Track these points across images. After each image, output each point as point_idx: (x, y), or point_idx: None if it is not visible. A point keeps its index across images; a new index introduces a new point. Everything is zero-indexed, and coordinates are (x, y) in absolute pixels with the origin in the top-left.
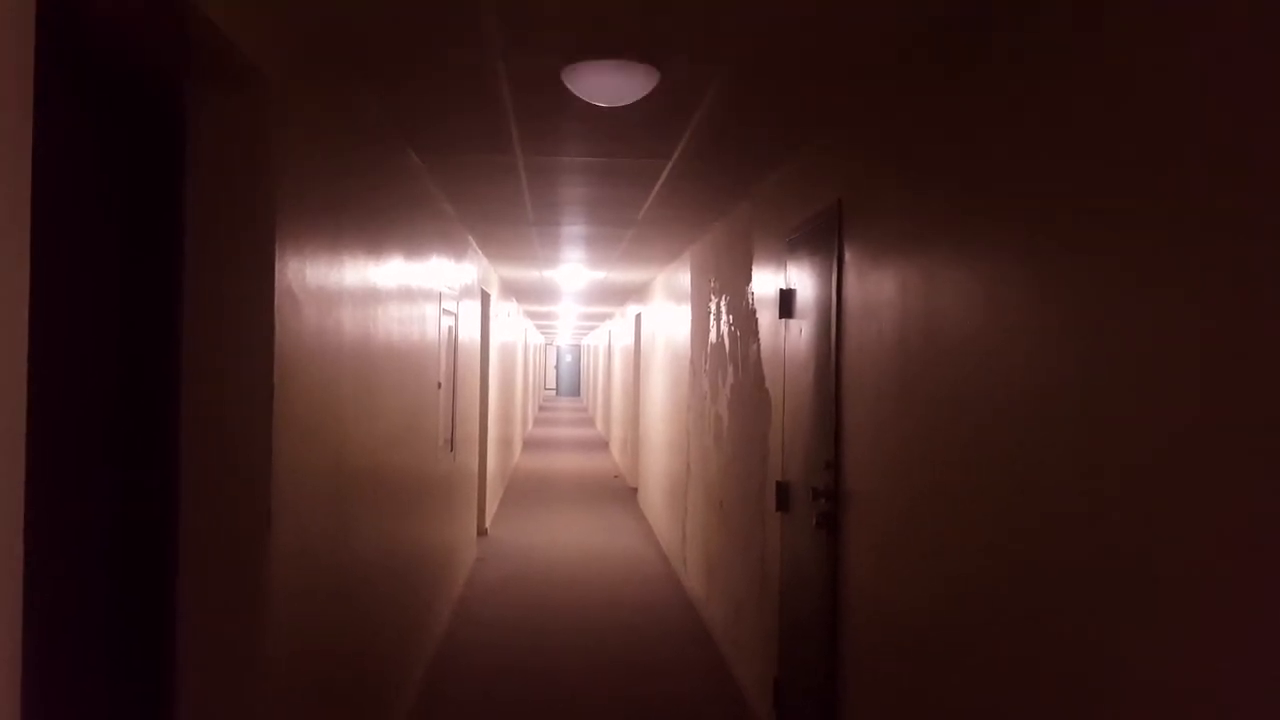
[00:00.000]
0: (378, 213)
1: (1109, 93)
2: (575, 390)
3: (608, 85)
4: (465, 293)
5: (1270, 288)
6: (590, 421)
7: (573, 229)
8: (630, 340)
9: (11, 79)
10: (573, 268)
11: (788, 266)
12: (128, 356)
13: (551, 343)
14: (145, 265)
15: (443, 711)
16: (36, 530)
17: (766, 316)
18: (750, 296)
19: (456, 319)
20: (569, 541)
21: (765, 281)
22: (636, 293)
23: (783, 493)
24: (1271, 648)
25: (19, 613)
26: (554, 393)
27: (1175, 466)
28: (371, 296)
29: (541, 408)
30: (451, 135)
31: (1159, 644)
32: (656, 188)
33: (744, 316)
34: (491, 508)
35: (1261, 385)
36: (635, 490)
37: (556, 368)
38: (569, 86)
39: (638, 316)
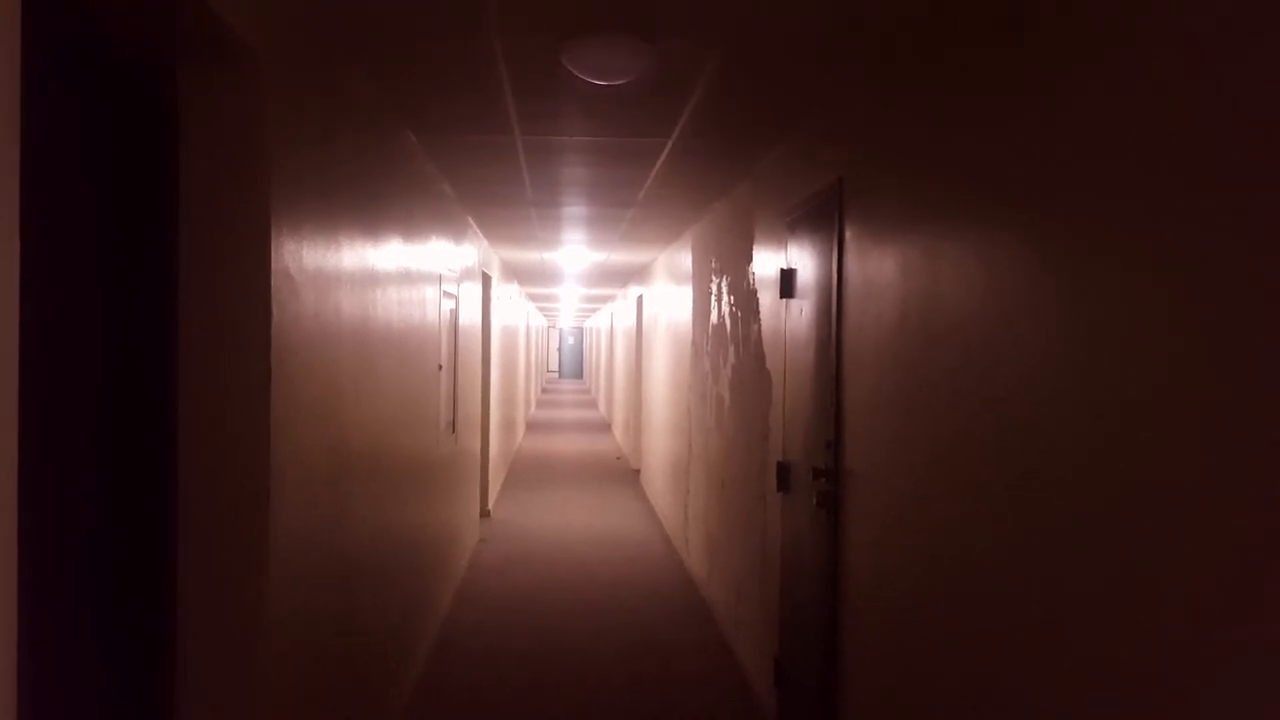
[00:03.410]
0: (375, 194)
1: (1111, 73)
2: (578, 372)
3: (605, 63)
4: (466, 275)
5: (1272, 270)
6: (593, 403)
7: (573, 210)
8: (632, 322)
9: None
10: (573, 249)
11: (788, 246)
12: (124, 339)
13: (554, 325)
14: (140, 247)
15: (446, 692)
16: (33, 510)
17: (767, 297)
18: (751, 277)
19: (457, 301)
20: (572, 523)
21: (766, 261)
22: (638, 274)
23: (783, 473)
24: (1267, 632)
25: (14, 591)
26: (557, 375)
27: (1177, 446)
28: (370, 278)
29: (544, 390)
30: (449, 115)
31: (1157, 625)
32: (656, 167)
33: (745, 297)
34: (494, 489)
35: (1263, 367)
36: (638, 471)
37: (559, 350)
38: (566, 65)
39: (639, 298)
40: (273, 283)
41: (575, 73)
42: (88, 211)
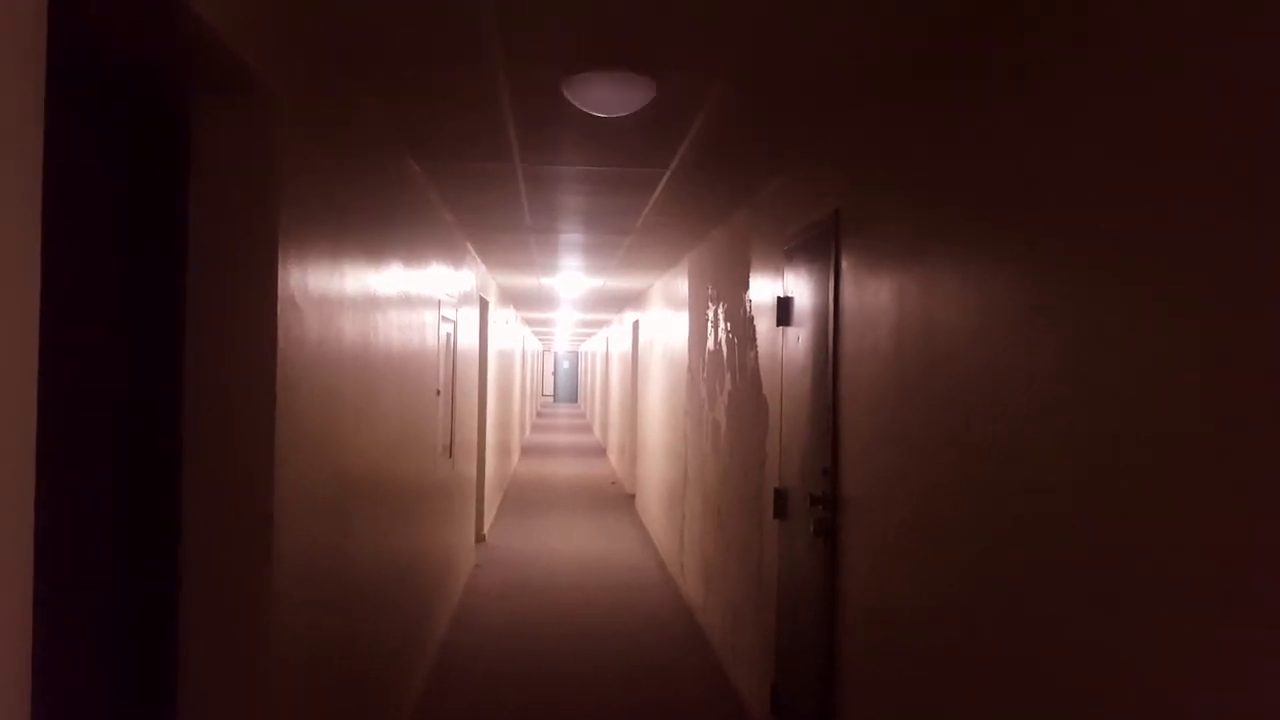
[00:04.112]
0: (378, 220)
1: (1104, 106)
2: (573, 397)
3: (607, 97)
4: (464, 300)
5: (1265, 301)
6: (588, 428)
7: (571, 237)
8: (628, 347)
9: (24, 81)
10: (570, 275)
11: (785, 274)
12: (131, 366)
13: (549, 349)
14: (148, 274)
15: (443, 717)
16: (40, 536)
17: (764, 324)
18: (748, 304)
19: (455, 326)
20: (567, 548)
21: (763, 289)
22: (634, 300)
23: (780, 499)
24: (1266, 655)
25: (28, 618)
26: (552, 399)
27: (1168, 474)
28: (372, 304)
29: (539, 414)
30: (451, 144)
31: (1155, 649)
32: (654, 196)
33: (742, 324)
34: (490, 514)
35: (1256, 397)
36: (633, 497)
37: (554, 374)
38: (568, 98)
39: (635, 323)
40: (279, 309)
41: (578, 106)
42: (102, 241)
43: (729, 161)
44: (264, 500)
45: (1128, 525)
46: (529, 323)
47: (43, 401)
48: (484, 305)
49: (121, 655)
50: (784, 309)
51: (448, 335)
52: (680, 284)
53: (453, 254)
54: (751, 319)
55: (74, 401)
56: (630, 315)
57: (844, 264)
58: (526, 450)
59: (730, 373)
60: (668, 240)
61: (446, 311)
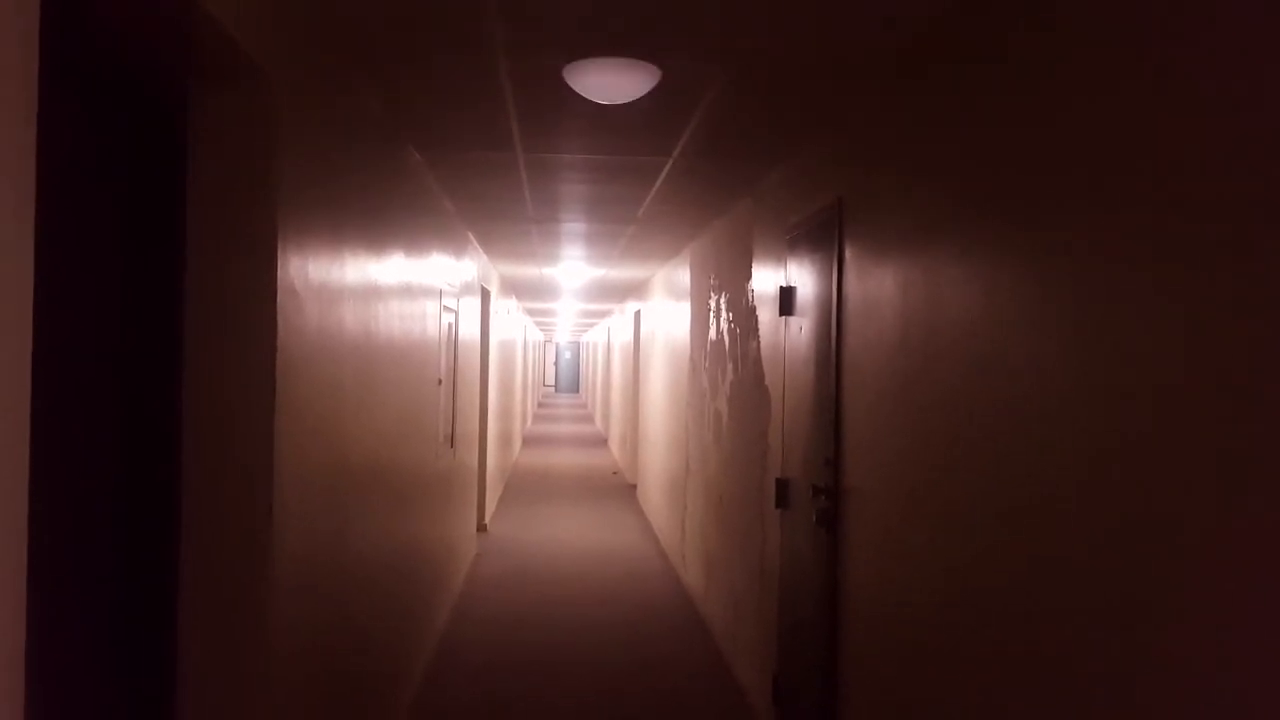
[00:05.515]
0: (378, 209)
1: (1112, 92)
2: (574, 387)
3: (609, 83)
4: (465, 290)
5: (1271, 290)
6: (589, 418)
7: (573, 226)
8: (629, 337)
9: (16, 80)
10: (572, 265)
11: (788, 264)
12: (130, 354)
13: (551, 339)
14: (147, 263)
15: (443, 707)
16: (39, 528)
17: (766, 314)
18: (750, 294)
19: (456, 316)
20: (568, 538)
21: (765, 279)
22: (636, 290)
23: (782, 490)
24: (1270, 655)
25: (23, 608)
26: (553, 389)
27: (1173, 470)
28: (372, 293)
29: (541, 404)
30: (452, 132)
31: (1157, 642)
32: (657, 185)
33: (744, 314)
34: (491, 504)
35: (1262, 395)
36: (634, 487)
37: (555, 364)
38: (570, 84)
39: (637, 313)
40: (279, 297)
41: (579, 93)
42: (102, 239)
43: (731, 149)
44: (263, 491)
45: (1132, 521)
46: (531, 313)
47: (42, 395)
48: (485, 295)
49: (120, 647)
50: (786, 299)
51: (449, 325)
52: (682, 274)
53: (454, 243)
54: (754, 309)
55: (73, 395)
56: (632, 305)
57: (847, 253)
58: (528, 440)
59: (732, 363)
60: (670, 230)
61: (448, 301)
